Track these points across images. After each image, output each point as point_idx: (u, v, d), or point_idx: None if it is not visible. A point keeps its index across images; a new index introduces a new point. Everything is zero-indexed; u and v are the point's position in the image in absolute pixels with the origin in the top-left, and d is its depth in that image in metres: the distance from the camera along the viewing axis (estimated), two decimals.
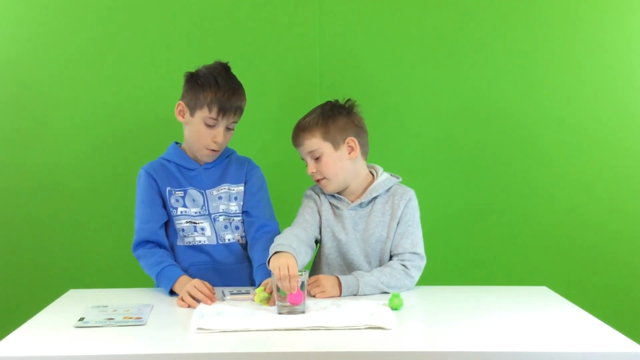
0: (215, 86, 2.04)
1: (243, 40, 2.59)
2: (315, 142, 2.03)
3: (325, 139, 2.03)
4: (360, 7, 2.60)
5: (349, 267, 2.06)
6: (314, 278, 1.96)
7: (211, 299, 1.86)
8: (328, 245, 2.08)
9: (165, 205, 2.12)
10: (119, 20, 2.57)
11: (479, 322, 1.70)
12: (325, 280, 1.94)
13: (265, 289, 1.83)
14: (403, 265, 2.00)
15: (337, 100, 2.11)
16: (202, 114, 2.05)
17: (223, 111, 2.04)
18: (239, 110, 2.08)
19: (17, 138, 2.59)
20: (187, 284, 1.89)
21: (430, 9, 2.60)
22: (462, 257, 2.63)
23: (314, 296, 1.90)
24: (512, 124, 2.64)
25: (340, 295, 1.92)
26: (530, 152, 2.64)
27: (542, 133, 2.64)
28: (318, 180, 2.07)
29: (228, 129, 2.09)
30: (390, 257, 2.05)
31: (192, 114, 2.08)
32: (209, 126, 2.06)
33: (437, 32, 2.61)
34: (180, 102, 2.11)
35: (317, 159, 2.04)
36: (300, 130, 2.06)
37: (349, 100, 2.11)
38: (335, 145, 2.04)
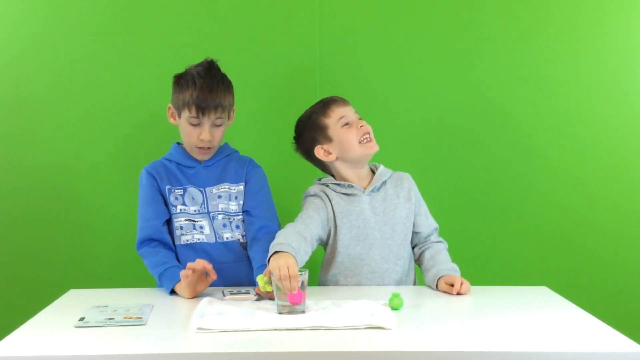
0: (193, 86, 2.07)
1: (243, 39, 2.59)
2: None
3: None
4: (360, 6, 2.60)
5: (369, 252, 2.08)
6: (449, 285, 1.97)
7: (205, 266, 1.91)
8: (347, 237, 2.08)
9: (166, 203, 2.13)
10: (119, 20, 2.57)
11: (479, 322, 1.70)
12: (457, 278, 1.98)
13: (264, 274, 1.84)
14: (440, 242, 2.18)
15: None
16: (185, 114, 2.09)
17: (201, 110, 2.06)
18: (219, 107, 2.08)
19: (17, 138, 2.59)
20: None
21: (430, 8, 2.60)
22: (461, 257, 2.61)
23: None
24: (512, 124, 2.64)
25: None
26: (531, 151, 2.64)
27: (542, 133, 2.64)
28: (367, 140, 2.09)
29: (216, 125, 2.10)
30: (413, 235, 2.15)
31: (179, 115, 2.13)
32: (193, 125, 2.09)
33: (437, 31, 2.61)
34: (170, 105, 2.16)
35: (360, 119, 2.14)
36: (341, 97, 2.17)
37: None
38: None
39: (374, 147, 2.10)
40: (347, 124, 2.10)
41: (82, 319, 1.70)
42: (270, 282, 1.81)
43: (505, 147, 2.64)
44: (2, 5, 2.55)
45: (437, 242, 2.17)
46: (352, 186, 2.11)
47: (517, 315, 1.74)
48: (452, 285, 1.96)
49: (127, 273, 2.58)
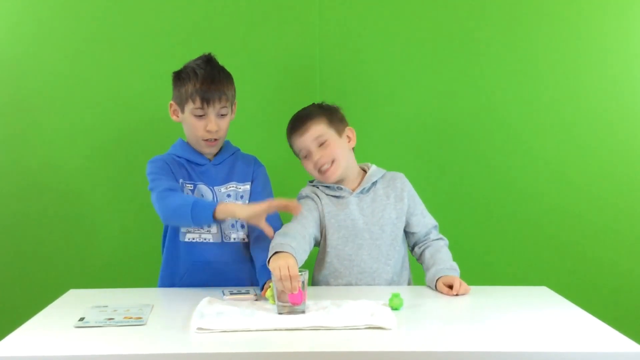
0: (194, 77, 2.07)
1: (243, 39, 2.59)
2: (321, 128, 2.09)
3: (329, 126, 2.10)
4: (360, 6, 2.60)
5: (358, 252, 2.08)
6: (447, 286, 1.96)
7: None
8: (335, 237, 2.09)
9: None
10: (117, 19, 2.57)
11: (479, 322, 1.70)
12: (456, 279, 1.98)
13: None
14: (440, 239, 2.16)
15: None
16: (189, 107, 2.08)
17: (206, 100, 2.06)
18: (223, 97, 2.07)
19: (17, 138, 2.59)
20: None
21: (430, 7, 2.61)
22: (461, 258, 2.62)
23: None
24: (513, 125, 2.64)
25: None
26: (531, 152, 2.64)
27: (542, 133, 2.64)
28: (324, 171, 2.08)
29: (221, 115, 2.09)
30: (410, 235, 2.15)
31: (182, 110, 2.11)
32: (198, 117, 2.08)
33: (437, 31, 2.62)
34: (172, 102, 2.15)
35: (322, 145, 2.08)
36: (304, 118, 2.11)
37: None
38: (339, 133, 2.12)
39: (330, 178, 2.09)
40: (306, 156, 2.11)
41: (82, 319, 1.69)
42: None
43: (505, 147, 2.64)
44: (2, 5, 2.55)
45: (437, 239, 2.17)
46: (341, 188, 2.12)
47: (517, 315, 1.74)
48: (451, 287, 1.95)
49: (127, 273, 2.58)
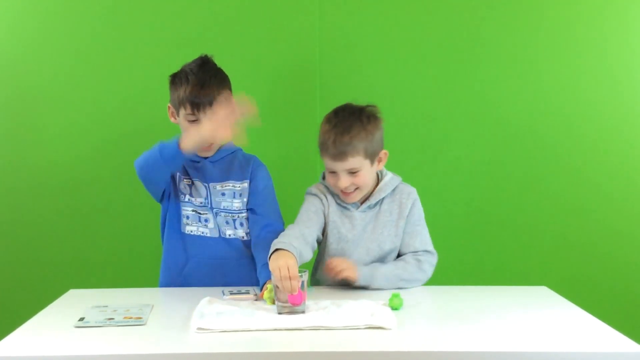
0: (186, 83, 2.07)
1: (243, 39, 2.59)
2: (358, 160, 1.99)
3: (366, 157, 2.00)
4: (360, 6, 2.60)
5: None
6: (335, 261, 1.95)
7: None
8: (333, 247, 2.08)
9: (175, 189, 2.13)
10: (117, 19, 2.58)
11: (479, 322, 1.69)
12: (345, 261, 1.96)
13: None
14: (417, 260, 2.04)
15: (367, 108, 2.04)
16: (182, 112, 2.08)
17: (196, 106, 2.05)
18: (214, 102, 2.06)
19: (17, 138, 2.59)
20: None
21: (431, 8, 2.61)
22: (462, 258, 2.63)
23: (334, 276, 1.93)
24: (512, 125, 2.64)
25: (355, 282, 1.95)
26: (530, 152, 2.64)
27: (542, 134, 2.64)
28: (347, 193, 2.04)
29: None
30: (399, 256, 2.08)
31: (177, 113, 2.12)
32: (191, 122, 2.07)
33: (438, 31, 2.62)
34: (169, 104, 2.16)
35: (352, 173, 2.00)
36: (345, 147, 1.96)
37: (371, 106, 2.06)
38: (372, 161, 2.03)
39: (349, 201, 2.05)
40: (332, 173, 2.03)
41: (82, 319, 1.69)
42: (273, 300, 1.80)
43: (505, 148, 2.64)
44: (2, 5, 2.55)
45: (414, 255, 2.05)
46: None
47: (517, 315, 1.74)
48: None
49: (127, 273, 2.58)
